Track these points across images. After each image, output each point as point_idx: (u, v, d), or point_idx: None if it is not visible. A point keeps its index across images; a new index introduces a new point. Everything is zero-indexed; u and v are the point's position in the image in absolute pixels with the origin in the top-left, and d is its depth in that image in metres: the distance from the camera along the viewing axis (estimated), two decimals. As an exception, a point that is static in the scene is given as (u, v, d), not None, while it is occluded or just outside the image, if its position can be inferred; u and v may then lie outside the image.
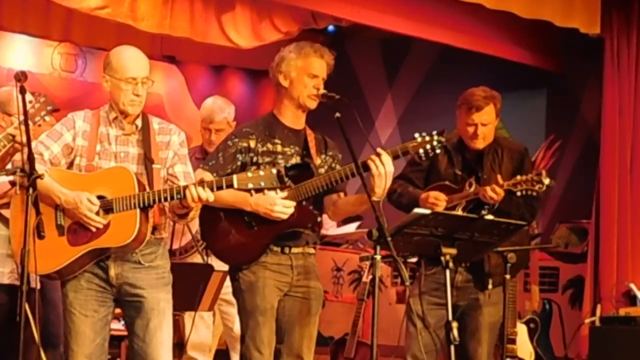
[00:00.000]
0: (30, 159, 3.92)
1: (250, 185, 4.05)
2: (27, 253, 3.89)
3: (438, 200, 4.95)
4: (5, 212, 4.57)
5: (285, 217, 4.39)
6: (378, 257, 4.21)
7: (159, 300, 4.26)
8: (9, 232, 4.27)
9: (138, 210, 4.12)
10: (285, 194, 4.40)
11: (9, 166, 4.29)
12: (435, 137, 4.41)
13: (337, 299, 8.43)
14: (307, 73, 4.53)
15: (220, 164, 4.53)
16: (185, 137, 4.44)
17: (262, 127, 4.58)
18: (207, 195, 4.07)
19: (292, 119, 4.62)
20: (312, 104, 4.56)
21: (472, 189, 5.00)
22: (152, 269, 4.26)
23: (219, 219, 4.53)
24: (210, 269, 5.29)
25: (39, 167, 4.03)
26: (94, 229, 4.13)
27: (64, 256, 4.16)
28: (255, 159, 4.52)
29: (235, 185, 4.05)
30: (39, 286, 4.08)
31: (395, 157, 4.39)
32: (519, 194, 4.94)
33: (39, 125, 4.43)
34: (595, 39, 7.32)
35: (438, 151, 4.45)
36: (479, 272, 5.08)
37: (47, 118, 4.42)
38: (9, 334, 4.16)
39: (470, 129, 5.05)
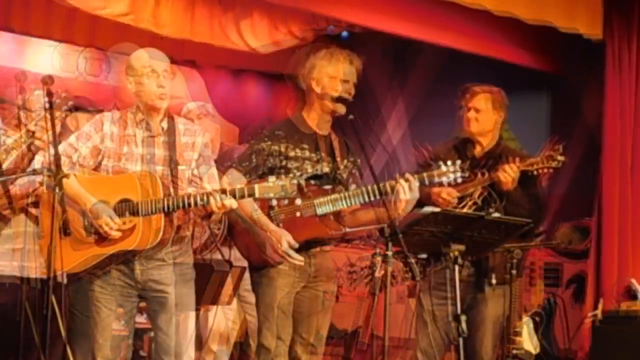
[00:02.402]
0: (57, 158, 4.00)
1: (271, 195, 4.14)
2: (54, 249, 3.96)
3: (450, 196, 5.09)
4: (33, 210, 4.67)
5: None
6: (390, 253, 4.37)
7: (183, 296, 4.37)
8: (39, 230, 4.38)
9: (163, 214, 4.20)
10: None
11: (37, 166, 4.32)
12: (459, 168, 4.61)
13: (350, 293, 8.55)
14: (339, 79, 4.70)
15: (253, 166, 4.63)
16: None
17: (292, 131, 4.71)
18: (231, 203, 4.14)
19: (320, 123, 4.77)
20: (342, 109, 4.69)
21: (486, 176, 5.14)
22: (176, 266, 4.37)
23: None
24: (210, 269, 5.36)
25: (66, 170, 4.13)
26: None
27: (91, 256, 4.26)
28: (284, 162, 4.64)
29: (257, 195, 4.15)
30: (65, 281, 4.18)
31: (421, 183, 4.57)
32: (535, 173, 5.08)
33: (59, 122, 4.46)
34: (597, 42, 7.43)
35: (459, 180, 4.64)
36: (485, 267, 5.20)
37: (65, 114, 4.39)
38: (36, 327, 4.31)
39: (463, 112, 5.24)
